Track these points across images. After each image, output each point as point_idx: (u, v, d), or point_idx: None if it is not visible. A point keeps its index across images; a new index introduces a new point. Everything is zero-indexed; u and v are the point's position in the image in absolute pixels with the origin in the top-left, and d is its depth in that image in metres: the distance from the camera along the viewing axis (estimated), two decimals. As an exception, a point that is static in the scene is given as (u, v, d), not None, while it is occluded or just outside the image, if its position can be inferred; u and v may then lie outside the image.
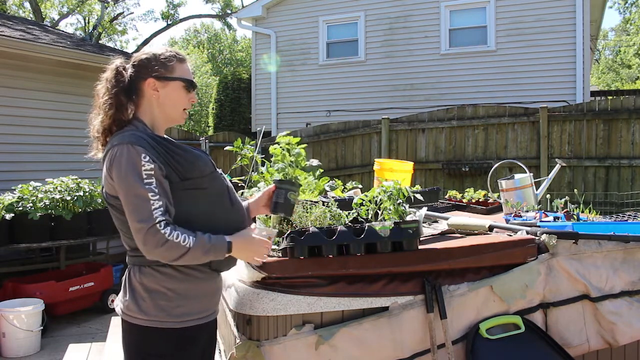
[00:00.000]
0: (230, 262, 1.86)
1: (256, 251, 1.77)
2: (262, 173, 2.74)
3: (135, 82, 1.78)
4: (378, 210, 2.40)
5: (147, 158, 1.62)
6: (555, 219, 3.01)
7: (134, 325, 1.72)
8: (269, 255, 2.20)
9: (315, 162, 2.65)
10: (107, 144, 1.72)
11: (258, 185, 2.84)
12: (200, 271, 1.75)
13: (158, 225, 1.57)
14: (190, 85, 1.82)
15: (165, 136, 1.83)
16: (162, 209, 1.60)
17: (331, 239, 2.11)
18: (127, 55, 1.72)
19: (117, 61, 1.81)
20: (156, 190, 1.60)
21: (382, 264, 2.19)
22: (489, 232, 2.67)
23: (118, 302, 1.80)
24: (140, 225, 1.58)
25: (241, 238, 1.74)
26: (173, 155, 1.70)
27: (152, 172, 1.62)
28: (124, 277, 1.80)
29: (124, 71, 1.79)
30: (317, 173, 3.30)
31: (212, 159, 1.91)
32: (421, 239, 2.40)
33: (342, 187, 3.55)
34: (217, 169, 1.87)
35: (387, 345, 2.18)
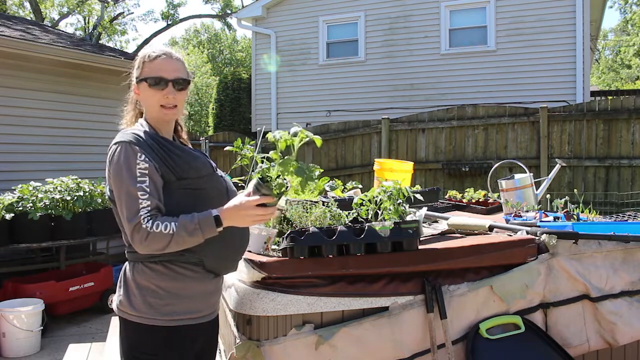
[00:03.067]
0: (228, 266, 1.86)
1: (250, 214, 1.65)
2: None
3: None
4: (378, 210, 2.40)
5: (143, 157, 1.65)
6: (555, 219, 3.01)
7: (127, 321, 1.74)
8: (268, 254, 2.21)
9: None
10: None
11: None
12: (193, 271, 1.74)
13: (142, 220, 1.59)
14: (153, 81, 1.76)
15: (165, 137, 1.83)
16: (149, 207, 1.62)
17: (331, 239, 2.11)
18: (129, 56, 1.72)
19: None
20: (147, 190, 1.62)
21: (382, 264, 2.19)
22: (489, 232, 2.67)
23: (115, 298, 1.82)
24: (128, 223, 1.62)
25: (229, 206, 1.67)
26: (170, 155, 1.72)
27: (146, 171, 1.64)
28: (120, 273, 1.82)
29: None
30: (317, 173, 3.30)
31: (212, 159, 1.91)
32: (421, 239, 2.40)
33: (342, 187, 3.55)
34: (217, 170, 1.88)
35: (387, 345, 2.18)
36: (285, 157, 1.99)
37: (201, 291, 1.78)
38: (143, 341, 1.72)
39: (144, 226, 1.59)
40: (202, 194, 1.76)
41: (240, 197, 1.69)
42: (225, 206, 1.68)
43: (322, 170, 3.46)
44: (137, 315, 1.71)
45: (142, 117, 1.86)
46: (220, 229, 1.66)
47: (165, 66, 1.78)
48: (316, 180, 3.08)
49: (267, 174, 1.69)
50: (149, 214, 1.61)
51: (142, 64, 1.80)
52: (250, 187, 1.69)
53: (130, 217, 1.61)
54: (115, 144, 1.70)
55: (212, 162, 1.89)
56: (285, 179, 1.70)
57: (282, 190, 1.66)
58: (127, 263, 1.79)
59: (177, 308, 1.72)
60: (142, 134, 1.72)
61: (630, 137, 7.43)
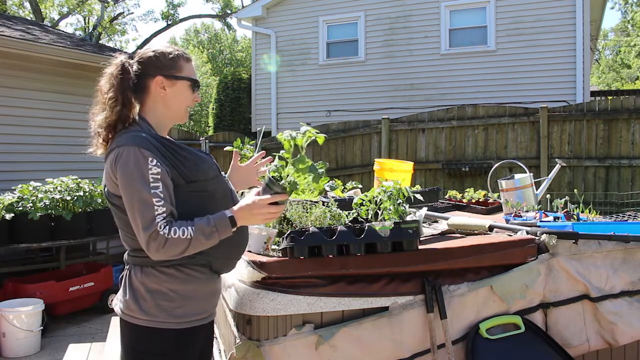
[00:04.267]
0: (231, 265, 1.86)
1: (262, 213, 1.67)
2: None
3: (141, 80, 1.76)
4: (378, 210, 2.39)
5: (155, 162, 1.62)
6: (555, 219, 3.01)
7: (133, 325, 1.72)
8: (268, 254, 2.21)
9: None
10: (112, 143, 1.70)
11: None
12: (202, 272, 1.75)
13: (159, 228, 1.57)
14: (195, 84, 1.83)
15: (168, 138, 1.81)
16: (165, 214, 1.60)
17: (331, 239, 2.11)
18: (129, 54, 1.72)
19: (122, 57, 1.79)
20: (161, 195, 1.60)
21: (382, 264, 2.19)
22: (489, 232, 2.67)
23: (117, 302, 1.80)
24: (144, 232, 1.58)
25: (241, 206, 1.69)
26: (178, 158, 1.70)
27: (159, 176, 1.61)
28: (123, 276, 1.79)
29: (129, 67, 1.75)
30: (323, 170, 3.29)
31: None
32: (421, 239, 2.40)
33: (342, 187, 3.55)
34: (221, 172, 1.87)
35: (387, 345, 2.18)
36: (299, 156, 2.00)
37: (208, 292, 1.79)
38: (151, 344, 1.71)
39: (161, 233, 1.56)
40: (209, 196, 1.75)
41: (251, 197, 1.70)
42: (238, 206, 1.69)
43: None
44: (148, 319, 1.69)
45: (126, 109, 1.73)
46: (235, 229, 1.67)
47: (194, 70, 1.87)
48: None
49: (280, 172, 1.72)
50: (164, 221, 1.58)
51: (179, 62, 1.78)
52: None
53: (145, 226, 1.57)
54: (121, 146, 1.64)
55: (216, 163, 1.89)
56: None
57: (294, 188, 1.71)
58: (131, 266, 1.75)
59: (187, 310, 1.73)
60: (148, 137, 1.67)
61: (630, 137, 7.43)
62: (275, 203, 1.69)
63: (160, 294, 1.70)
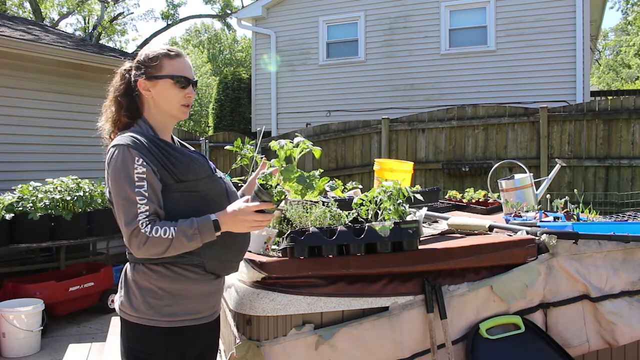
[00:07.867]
0: (229, 267, 1.86)
1: (248, 220, 1.66)
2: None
3: (134, 84, 1.81)
4: (378, 210, 2.39)
5: (141, 161, 1.64)
6: (555, 219, 3.01)
7: (127, 321, 1.74)
8: (268, 254, 2.21)
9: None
10: (110, 144, 1.75)
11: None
12: (193, 272, 1.74)
13: (140, 225, 1.59)
14: (180, 81, 1.79)
15: (174, 137, 1.86)
16: (147, 212, 1.62)
17: (331, 239, 2.11)
18: (130, 56, 1.75)
19: (126, 64, 1.86)
20: (146, 194, 1.63)
21: (382, 264, 2.19)
22: (489, 232, 2.67)
23: (117, 298, 1.83)
24: (125, 228, 1.62)
25: (227, 211, 1.68)
26: (169, 158, 1.72)
27: (144, 175, 1.64)
28: (121, 273, 1.82)
29: (127, 74, 1.83)
30: (317, 176, 3.28)
31: (212, 159, 1.92)
32: (421, 239, 2.40)
33: (342, 187, 3.54)
34: (216, 172, 1.88)
35: (387, 345, 2.18)
36: (287, 165, 1.99)
37: (202, 292, 1.78)
38: (143, 342, 1.72)
39: (142, 231, 1.59)
40: (202, 196, 1.76)
41: (239, 203, 1.70)
42: (224, 211, 1.69)
43: (322, 170, 3.45)
44: (138, 316, 1.71)
45: (127, 115, 1.80)
46: (218, 233, 1.67)
47: (186, 66, 1.84)
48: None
49: (268, 181, 1.70)
50: (147, 219, 1.61)
51: (160, 61, 1.78)
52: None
53: (127, 222, 1.61)
54: (113, 147, 1.69)
55: (211, 163, 1.90)
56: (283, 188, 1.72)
57: (282, 197, 1.69)
58: (127, 264, 1.79)
59: (177, 309, 1.73)
60: (140, 137, 1.71)
61: (630, 137, 7.43)
62: (262, 212, 1.67)
63: (148, 291, 1.71)
